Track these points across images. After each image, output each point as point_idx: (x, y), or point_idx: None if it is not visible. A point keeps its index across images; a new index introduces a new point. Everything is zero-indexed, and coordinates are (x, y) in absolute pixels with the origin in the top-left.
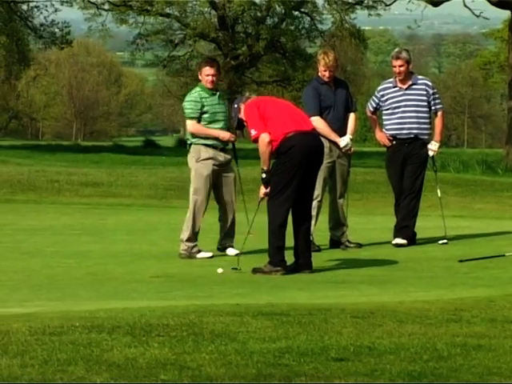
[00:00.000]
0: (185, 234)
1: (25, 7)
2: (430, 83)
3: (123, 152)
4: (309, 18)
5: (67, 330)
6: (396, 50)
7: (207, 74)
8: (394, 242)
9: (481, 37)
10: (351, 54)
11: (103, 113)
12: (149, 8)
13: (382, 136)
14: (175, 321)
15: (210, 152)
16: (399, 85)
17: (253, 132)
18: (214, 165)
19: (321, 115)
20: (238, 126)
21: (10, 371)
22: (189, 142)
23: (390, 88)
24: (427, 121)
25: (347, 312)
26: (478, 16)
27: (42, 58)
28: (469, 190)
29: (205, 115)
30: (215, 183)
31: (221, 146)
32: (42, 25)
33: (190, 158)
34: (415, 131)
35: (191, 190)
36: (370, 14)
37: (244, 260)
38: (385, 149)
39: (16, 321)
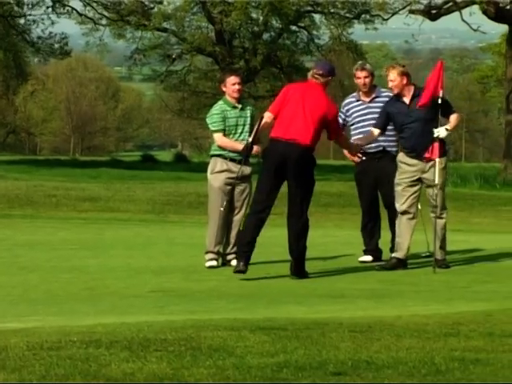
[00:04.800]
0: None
1: (22, 21)
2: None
3: (121, 167)
4: (306, 33)
5: (65, 345)
6: (360, 62)
7: (233, 82)
8: (360, 259)
9: (478, 51)
10: (349, 68)
11: (101, 128)
12: (146, 23)
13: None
14: (173, 335)
15: (227, 164)
16: (362, 98)
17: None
18: (228, 178)
19: None
20: None
21: None
22: (210, 154)
23: (353, 102)
24: (393, 133)
25: (345, 326)
26: (475, 30)
27: (40, 73)
28: (466, 204)
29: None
30: (233, 195)
31: (239, 158)
32: (39, 38)
33: (208, 170)
34: (383, 143)
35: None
36: (367, 29)
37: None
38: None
39: (14, 336)
